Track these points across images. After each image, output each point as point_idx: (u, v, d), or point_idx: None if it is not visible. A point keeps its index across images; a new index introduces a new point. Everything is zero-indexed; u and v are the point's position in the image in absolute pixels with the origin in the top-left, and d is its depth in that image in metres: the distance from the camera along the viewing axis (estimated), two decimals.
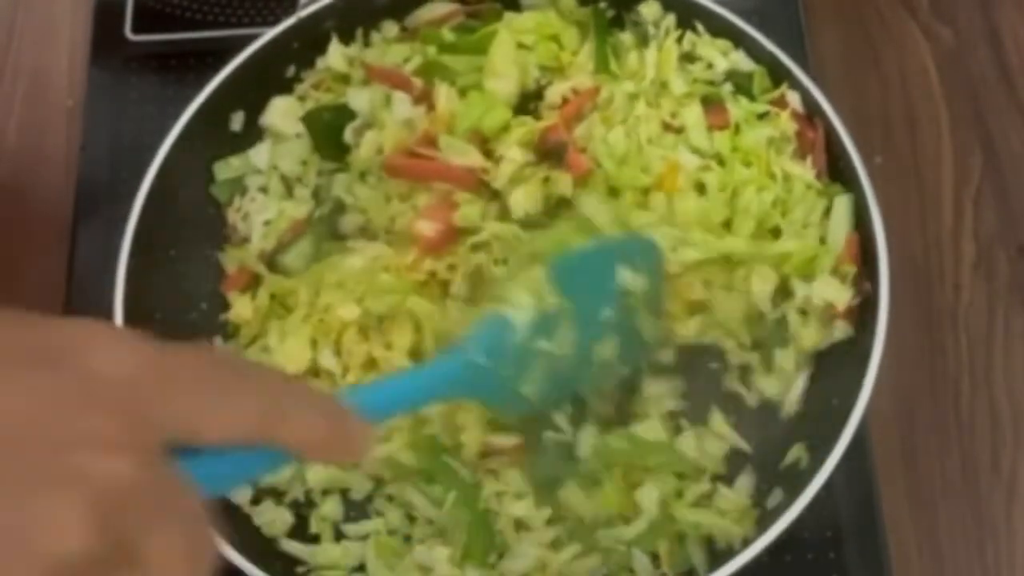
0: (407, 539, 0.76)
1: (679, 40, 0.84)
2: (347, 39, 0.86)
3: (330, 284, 0.78)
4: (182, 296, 0.81)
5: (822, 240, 0.78)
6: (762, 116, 0.82)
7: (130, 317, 0.75)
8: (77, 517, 0.38)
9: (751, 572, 0.69)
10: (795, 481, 0.71)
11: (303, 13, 0.84)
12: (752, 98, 0.82)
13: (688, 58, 0.84)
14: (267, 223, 0.83)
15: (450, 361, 0.65)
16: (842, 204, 0.78)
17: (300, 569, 0.74)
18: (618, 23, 0.86)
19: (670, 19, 0.84)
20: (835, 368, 0.77)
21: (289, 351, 0.77)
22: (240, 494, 0.76)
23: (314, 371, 0.78)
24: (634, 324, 0.73)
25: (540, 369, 0.68)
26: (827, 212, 0.79)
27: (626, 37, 0.85)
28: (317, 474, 0.76)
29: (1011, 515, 0.80)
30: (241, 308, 0.81)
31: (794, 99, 0.81)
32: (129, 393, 0.41)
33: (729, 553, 0.71)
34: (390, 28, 0.87)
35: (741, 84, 0.83)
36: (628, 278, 0.71)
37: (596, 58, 0.83)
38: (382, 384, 0.69)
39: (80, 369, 0.41)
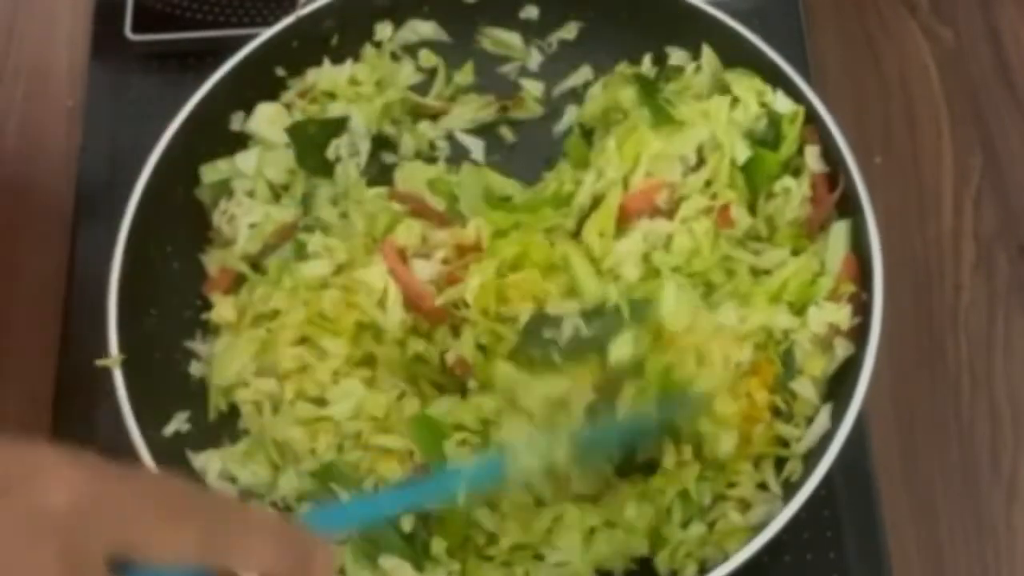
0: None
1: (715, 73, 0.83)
2: (345, 41, 0.86)
3: (284, 288, 0.77)
4: (176, 294, 0.81)
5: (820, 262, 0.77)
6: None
7: (124, 315, 0.75)
8: None
9: (751, 572, 0.69)
10: (786, 491, 0.72)
11: (302, 12, 0.84)
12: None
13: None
14: (252, 226, 0.82)
15: (427, 488, 0.68)
16: (840, 229, 0.77)
17: None
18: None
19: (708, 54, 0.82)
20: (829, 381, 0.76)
21: (236, 354, 0.77)
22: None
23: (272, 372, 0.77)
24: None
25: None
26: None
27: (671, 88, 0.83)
28: (289, 482, 0.75)
29: (1011, 515, 0.80)
30: (223, 309, 0.79)
31: (812, 154, 0.79)
32: (73, 522, 0.43)
33: (717, 560, 0.70)
34: (383, 29, 0.88)
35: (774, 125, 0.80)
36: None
37: (651, 114, 0.80)
38: (348, 504, 0.71)
39: (26, 499, 0.43)
